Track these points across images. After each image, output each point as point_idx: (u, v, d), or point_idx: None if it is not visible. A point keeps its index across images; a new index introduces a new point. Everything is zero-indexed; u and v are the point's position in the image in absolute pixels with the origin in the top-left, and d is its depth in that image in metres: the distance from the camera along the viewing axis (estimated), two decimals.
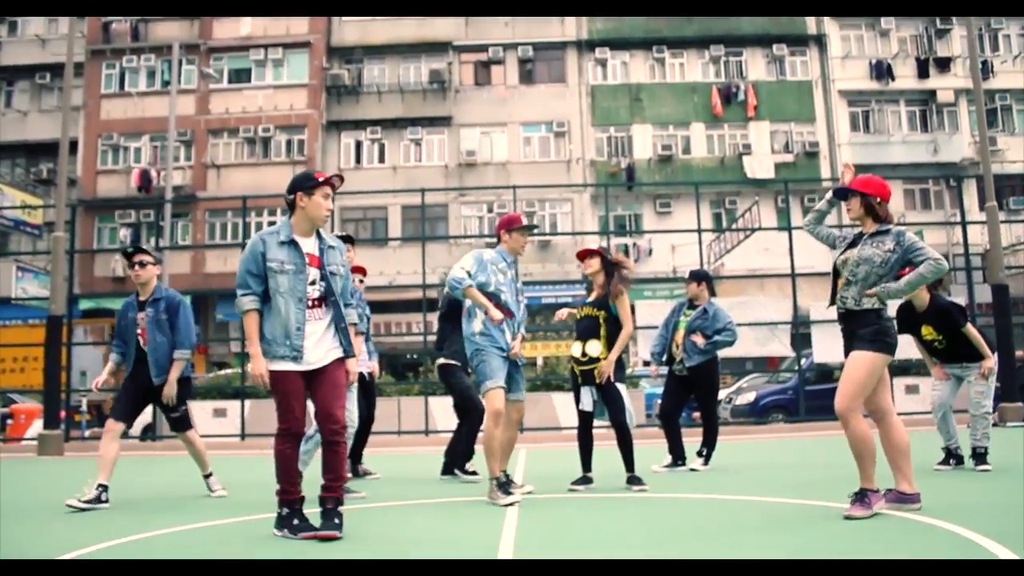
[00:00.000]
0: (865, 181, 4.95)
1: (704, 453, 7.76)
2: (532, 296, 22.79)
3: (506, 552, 4.10)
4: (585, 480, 6.56)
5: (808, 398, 14.99)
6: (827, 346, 14.51)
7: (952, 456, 6.90)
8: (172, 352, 6.14)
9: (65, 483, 6.06)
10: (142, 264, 6.14)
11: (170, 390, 6.07)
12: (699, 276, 8.01)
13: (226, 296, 25.14)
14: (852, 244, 4.96)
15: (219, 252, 26.57)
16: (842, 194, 4.96)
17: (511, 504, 5.34)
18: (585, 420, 6.63)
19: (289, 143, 28.24)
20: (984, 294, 16.35)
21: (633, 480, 6.43)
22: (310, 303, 4.50)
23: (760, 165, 28.19)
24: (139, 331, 6.11)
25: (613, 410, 6.43)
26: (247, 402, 15.18)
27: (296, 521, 4.49)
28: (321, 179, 4.57)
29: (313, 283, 4.52)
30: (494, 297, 5.85)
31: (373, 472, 7.82)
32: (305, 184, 4.55)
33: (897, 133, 28.74)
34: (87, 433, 15.98)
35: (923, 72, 28.65)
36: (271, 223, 26.80)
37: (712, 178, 28.23)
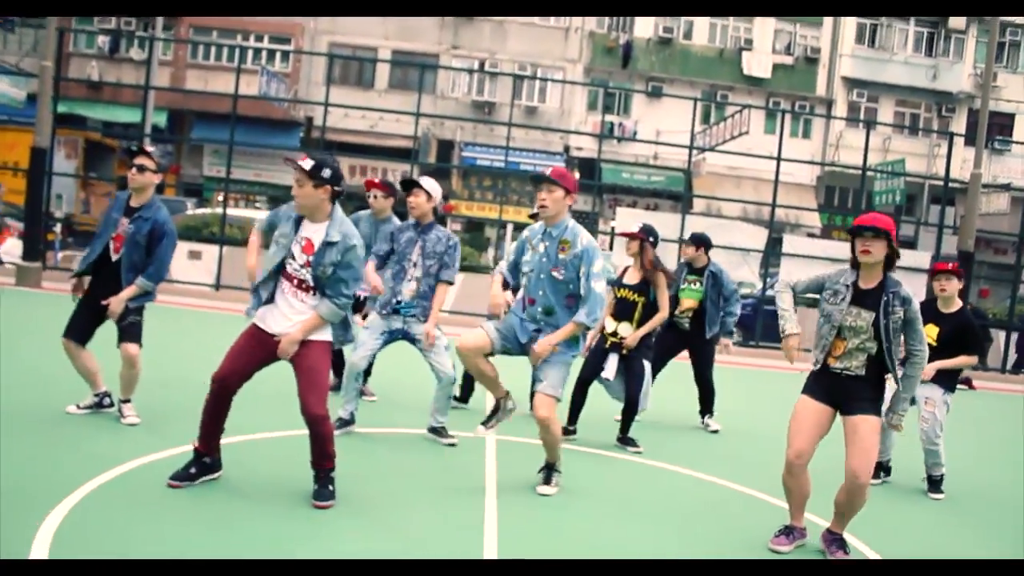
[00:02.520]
0: (888, 222, 4.22)
1: (712, 411, 7.55)
2: (512, 161, 22.70)
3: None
4: (567, 432, 6.35)
5: (765, 317, 15.27)
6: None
7: (883, 469, 6.33)
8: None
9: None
10: (140, 168, 5.41)
11: (117, 306, 5.36)
12: (699, 240, 7.50)
13: (204, 117, 24.71)
14: (856, 299, 4.29)
15: (200, 71, 25.90)
16: (858, 232, 4.23)
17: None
18: (585, 383, 6.47)
19: None
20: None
21: (627, 441, 6.39)
22: (296, 282, 4.29)
23: (759, 63, 27.78)
24: (115, 236, 5.42)
25: (630, 383, 6.34)
26: (224, 249, 14.78)
27: (192, 469, 4.37)
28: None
29: (304, 266, 4.27)
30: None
31: (372, 394, 7.17)
32: None
33: (901, 52, 28.35)
34: (60, 256, 15.90)
35: None
36: (256, 51, 26.08)
37: (708, 68, 27.84)
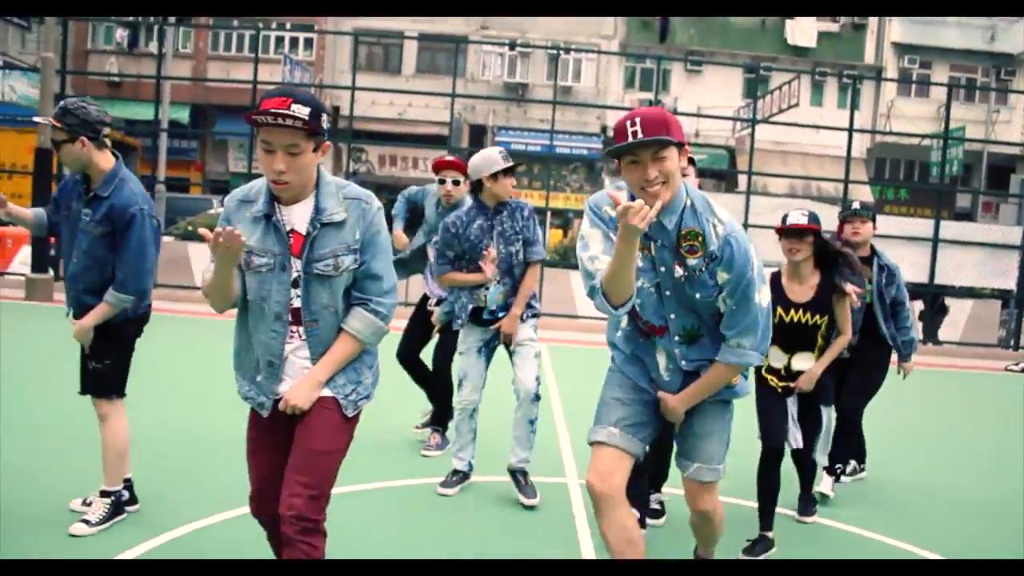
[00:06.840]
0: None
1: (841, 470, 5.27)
2: (546, 144, 21.64)
3: None
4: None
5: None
6: None
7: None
8: (104, 285, 3.66)
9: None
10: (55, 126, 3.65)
11: (82, 335, 3.69)
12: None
13: (228, 110, 23.93)
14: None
15: (222, 63, 25.11)
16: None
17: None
18: (777, 455, 4.22)
19: None
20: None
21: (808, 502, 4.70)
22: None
23: (803, 33, 26.47)
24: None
25: (807, 440, 4.39)
26: None
27: None
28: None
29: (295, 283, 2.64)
30: None
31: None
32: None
33: None
34: None
35: None
36: (278, 39, 25.24)
37: (749, 39, 26.60)
